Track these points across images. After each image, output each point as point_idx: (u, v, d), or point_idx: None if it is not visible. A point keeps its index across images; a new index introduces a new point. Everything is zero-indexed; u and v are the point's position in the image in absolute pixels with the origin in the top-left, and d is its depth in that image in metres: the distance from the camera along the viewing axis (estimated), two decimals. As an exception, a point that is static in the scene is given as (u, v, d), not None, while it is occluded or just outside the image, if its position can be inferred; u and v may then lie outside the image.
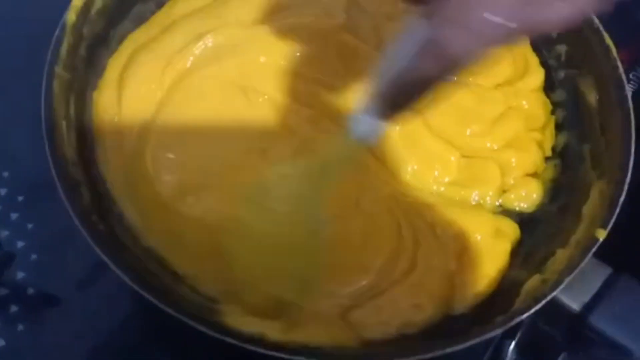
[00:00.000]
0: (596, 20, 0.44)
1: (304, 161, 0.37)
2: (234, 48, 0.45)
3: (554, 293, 0.35)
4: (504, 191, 0.44)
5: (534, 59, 0.48)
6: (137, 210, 0.41)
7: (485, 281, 0.40)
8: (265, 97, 0.45)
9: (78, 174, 0.40)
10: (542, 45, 0.49)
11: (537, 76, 0.48)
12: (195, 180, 0.41)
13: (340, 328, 0.38)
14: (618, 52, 0.58)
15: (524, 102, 0.46)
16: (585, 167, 0.43)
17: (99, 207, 0.40)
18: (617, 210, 0.38)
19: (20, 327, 0.44)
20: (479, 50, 0.25)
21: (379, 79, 0.28)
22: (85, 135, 0.43)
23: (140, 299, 0.43)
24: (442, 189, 0.43)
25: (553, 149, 0.46)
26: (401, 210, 0.41)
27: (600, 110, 0.44)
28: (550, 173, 0.45)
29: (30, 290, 0.46)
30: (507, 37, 0.25)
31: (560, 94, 0.48)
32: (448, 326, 0.38)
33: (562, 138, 0.47)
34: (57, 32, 0.41)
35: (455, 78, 0.44)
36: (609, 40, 0.43)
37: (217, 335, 0.33)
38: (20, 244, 0.47)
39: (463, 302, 0.39)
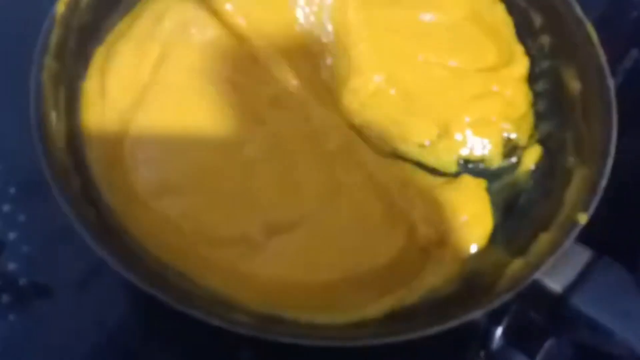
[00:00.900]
0: (579, 11, 0.45)
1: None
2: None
3: (536, 275, 0.36)
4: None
5: (518, 48, 0.49)
6: (117, 202, 0.41)
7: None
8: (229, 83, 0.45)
9: (68, 163, 0.40)
10: (526, 37, 0.49)
11: (521, 64, 0.48)
12: (173, 181, 0.42)
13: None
14: (605, 44, 0.59)
15: (506, 90, 0.47)
16: (567, 154, 0.44)
17: (89, 195, 0.40)
18: (599, 195, 0.38)
19: (11, 317, 0.45)
20: None
21: None
22: (75, 126, 0.43)
23: (134, 296, 0.44)
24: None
25: (536, 137, 0.47)
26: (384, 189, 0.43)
27: (582, 99, 0.44)
28: (533, 159, 0.46)
29: (22, 281, 0.46)
30: None
31: (543, 84, 0.48)
32: (430, 309, 0.39)
33: (545, 126, 0.47)
34: (46, 24, 0.42)
35: (429, 59, 0.48)
36: (591, 30, 0.44)
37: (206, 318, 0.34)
38: (12, 236, 0.48)
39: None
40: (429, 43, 0.48)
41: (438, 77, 0.47)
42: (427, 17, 0.50)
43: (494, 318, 0.45)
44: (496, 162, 0.46)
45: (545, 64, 0.48)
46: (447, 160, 0.45)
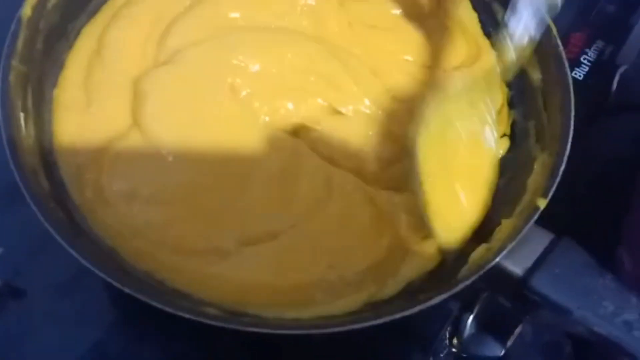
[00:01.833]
0: (537, 2, 0.46)
1: None
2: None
3: (497, 259, 0.37)
4: None
5: (485, 42, 0.50)
6: (84, 201, 0.42)
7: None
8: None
9: (36, 164, 0.41)
10: (490, 30, 0.50)
11: (489, 58, 0.49)
12: (145, 190, 0.42)
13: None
14: (572, 35, 0.60)
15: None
16: (530, 142, 0.45)
17: (58, 195, 0.41)
18: (557, 180, 0.39)
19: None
20: None
21: None
22: (44, 127, 0.43)
23: (114, 303, 0.44)
24: None
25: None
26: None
27: (543, 87, 0.45)
28: (501, 147, 0.47)
29: (-3, 282, 0.47)
30: None
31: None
32: (397, 298, 0.40)
33: (510, 116, 0.48)
34: (13, 26, 0.42)
35: (413, 58, 0.48)
36: (550, 22, 0.45)
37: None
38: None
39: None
40: (407, 40, 0.49)
41: (420, 79, 0.48)
42: (397, 12, 0.51)
43: (465, 306, 0.46)
44: None
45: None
46: None
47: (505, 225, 0.40)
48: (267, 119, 0.45)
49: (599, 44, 0.59)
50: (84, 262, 0.36)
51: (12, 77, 0.41)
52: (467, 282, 0.36)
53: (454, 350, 0.46)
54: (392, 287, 0.41)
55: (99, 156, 0.42)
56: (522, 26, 0.42)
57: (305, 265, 0.40)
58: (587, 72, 0.58)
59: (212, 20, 0.48)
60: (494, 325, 0.47)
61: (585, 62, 0.58)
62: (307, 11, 0.50)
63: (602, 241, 0.48)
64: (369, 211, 0.43)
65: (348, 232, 0.42)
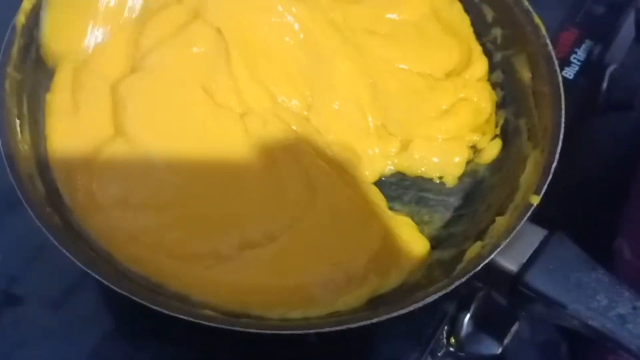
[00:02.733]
0: (526, 3, 0.47)
1: None
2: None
3: (492, 256, 0.37)
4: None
5: (477, 47, 0.51)
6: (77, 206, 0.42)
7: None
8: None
9: (32, 169, 0.41)
10: (480, 31, 0.51)
11: (481, 65, 0.50)
12: (136, 197, 0.41)
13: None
14: (561, 35, 0.61)
15: (473, 95, 0.48)
16: (522, 140, 0.45)
17: (54, 200, 0.41)
18: (550, 177, 0.40)
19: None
20: None
21: None
22: (40, 133, 0.43)
23: (112, 312, 0.44)
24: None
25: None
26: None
27: (533, 86, 0.46)
28: (493, 152, 0.47)
29: (-6, 289, 0.47)
30: None
31: (498, 75, 0.50)
32: (395, 297, 0.40)
33: (502, 115, 0.49)
34: (7, 34, 0.42)
35: (407, 66, 0.48)
36: (538, 20, 0.46)
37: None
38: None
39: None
40: (401, 45, 0.50)
41: (412, 86, 0.48)
42: (392, 15, 0.51)
43: (462, 305, 0.47)
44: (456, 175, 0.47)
45: (498, 56, 0.50)
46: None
47: (499, 223, 0.40)
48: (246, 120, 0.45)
49: (588, 43, 0.59)
50: (80, 265, 0.36)
51: (7, 85, 0.41)
52: (463, 280, 0.37)
53: (451, 349, 0.47)
54: (395, 278, 0.41)
55: (89, 162, 0.42)
56: None
57: (308, 265, 0.41)
58: (577, 72, 0.58)
59: (179, 17, 0.47)
60: (491, 324, 0.47)
61: (575, 61, 0.59)
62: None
63: (594, 236, 0.49)
64: (353, 203, 0.43)
65: (340, 227, 0.42)
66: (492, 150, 0.47)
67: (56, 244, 0.36)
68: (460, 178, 0.46)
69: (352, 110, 0.47)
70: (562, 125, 0.41)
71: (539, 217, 0.40)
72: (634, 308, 0.36)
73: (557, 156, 0.40)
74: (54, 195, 0.41)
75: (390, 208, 0.45)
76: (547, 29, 0.46)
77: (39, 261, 0.47)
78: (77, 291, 0.46)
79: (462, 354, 0.46)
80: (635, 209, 0.51)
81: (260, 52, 0.47)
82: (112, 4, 0.46)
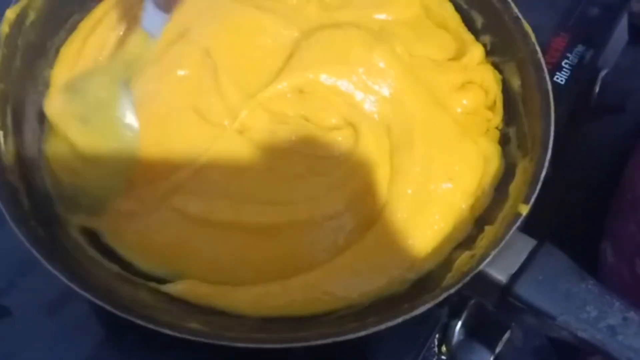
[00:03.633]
0: (516, 10, 0.46)
1: None
2: None
3: (481, 267, 0.37)
4: None
5: (469, 37, 0.50)
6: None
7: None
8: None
9: (16, 182, 0.40)
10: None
11: (477, 49, 0.49)
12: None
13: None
14: (553, 40, 0.61)
15: (477, 76, 0.48)
16: (512, 148, 0.45)
17: (38, 213, 0.40)
18: (539, 187, 0.39)
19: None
20: None
21: None
22: (24, 144, 0.43)
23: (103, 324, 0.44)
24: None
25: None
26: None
27: (523, 93, 0.46)
28: (495, 133, 0.47)
29: (-19, 302, 0.46)
30: None
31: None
32: (383, 307, 0.39)
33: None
34: (-9, 44, 0.42)
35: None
36: (527, 28, 0.46)
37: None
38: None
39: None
40: (398, 37, 0.49)
41: (425, 65, 0.48)
42: (381, 16, 0.50)
43: (454, 313, 0.46)
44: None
45: (488, 62, 0.49)
46: None
47: (488, 232, 0.40)
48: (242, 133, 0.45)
49: (580, 48, 0.59)
50: (63, 279, 0.35)
51: (-10, 96, 0.41)
52: (452, 291, 0.36)
53: (443, 357, 0.46)
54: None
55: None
56: None
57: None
58: (569, 77, 0.58)
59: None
60: (483, 332, 0.47)
61: (567, 66, 0.59)
62: None
63: (584, 245, 0.49)
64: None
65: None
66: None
67: (40, 259, 0.36)
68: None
69: None
70: (552, 134, 0.41)
71: (527, 225, 0.40)
72: (624, 319, 0.36)
73: (546, 165, 0.40)
74: (38, 208, 0.41)
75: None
76: (539, 34, 0.46)
77: (28, 271, 0.46)
78: (67, 302, 0.45)
79: (454, 362, 0.46)
80: (618, 211, 0.51)
81: (250, 69, 0.46)
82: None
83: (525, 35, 0.45)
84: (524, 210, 0.39)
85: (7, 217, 0.37)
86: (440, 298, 0.36)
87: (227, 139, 0.44)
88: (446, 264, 0.40)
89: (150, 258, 0.41)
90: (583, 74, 0.58)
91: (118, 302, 0.36)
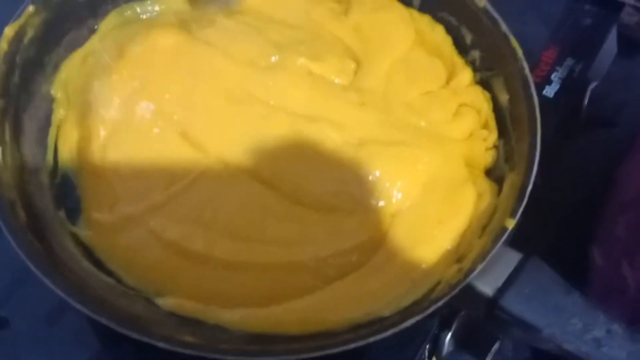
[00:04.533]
0: (505, 27, 0.47)
1: None
2: None
3: (467, 280, 0.38)
4: None
5: (459, 60, 0.51)
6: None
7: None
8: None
9: (14, 196, 0.41)
10: (460, 52, 0.51)
11: (465, 73, 0.50)
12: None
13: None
14: (543, 54, 0.61)
15: (467, 99, 0.49)
16: (500, 162, 0.46)
17: (35, 227, 0.41)
18: (525, 201, 0.40)
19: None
20: None
21: None
22: (22, 159, 0.44)
23: (99, 335, 0.45)
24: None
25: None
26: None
27: (510, 108, 0.46)
28: (491, 154, 0.47)
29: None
30: None
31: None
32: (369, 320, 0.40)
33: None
34: (-10, 61, 0.43)
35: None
36: (515, 44, 0.46)
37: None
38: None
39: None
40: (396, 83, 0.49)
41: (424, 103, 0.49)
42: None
43: (443, 324, 0.47)
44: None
45: (477, 77, 0.50)
46: None
47: (476, 246, 0.41)
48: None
49: (570, 61, 0.60)
50: (60, 293, 0.36)
51: (-11, 112, 0.42)
52: (439, 304, 0.37)
53: (433, 368, 0.47)
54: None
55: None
56: None
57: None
58: (558, 90, 0.59)
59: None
60: (473, 343, 0.48)
61: (556, 79, 0.59)
62: None
63: (573, 256, 0.50)
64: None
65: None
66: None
67: (36, 272, 0.37)
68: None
69: None
70: (538, 150, 0.42)
71: (515, 238, 0.41)
72: (608, 331, 0.36)
73: (532, 180, 0.41)
74: (35, 222, 0.42)
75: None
76: (528, 47, 0.47)
77: (26, 282, 0.46)
78: (64, 312, 0.46)
79: (444, 373, 0.47)
80: (607, 214, 0.52)
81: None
82: None
83: (513, 51, 0.46)
84: (511, 224, 0.39)
85: (5, 229, 0.38)
86: (429, 311, 0.37)
87: (209, 165, 0.44)
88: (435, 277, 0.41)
89: (135, 275, 0.42)
90: (573, 86, 0.58)
91: (113, 316, 0.36)
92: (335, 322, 0.39)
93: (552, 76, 0.60)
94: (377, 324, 0.38)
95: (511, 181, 0.43)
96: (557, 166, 0.54)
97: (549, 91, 0.58)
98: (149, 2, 0.52)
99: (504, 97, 0.47)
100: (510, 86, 0.46)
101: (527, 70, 0.45)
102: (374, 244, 0.42)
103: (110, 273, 0.42)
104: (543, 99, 0.50)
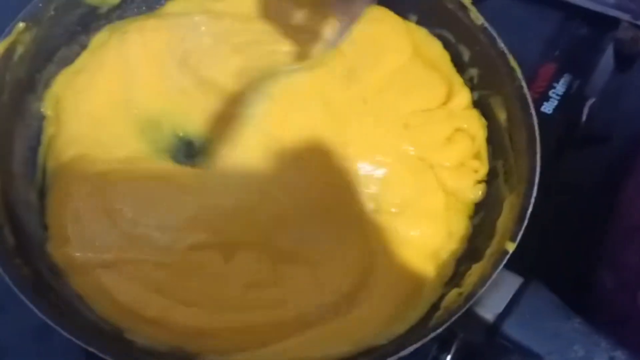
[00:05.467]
0: (502, 45, 0.47)
1: None
2: None
3: (467, 306, 0.37)
4: None
5: (457, 79, 0.50)
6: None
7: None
8: None
9: (1, 219, 0.40)
10: (457, 70, 0.51)
11: (463, 94, 0.49)
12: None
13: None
14: (540, 70, 0.61)
15: (463, 123, 0.48)
16: (499, 182, 0.45)
17: (24, 251, 0.40)
18: (525, 224, 0.39)
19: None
20: None
21: None
22: (10, 180, 0.43)
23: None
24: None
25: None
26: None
27: (509, 128, 0.46)
28: (480, 188, 0.47)
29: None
30: None
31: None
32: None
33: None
34: (-22, 81, 0.42)
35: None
36: (513, 63, 0.46)
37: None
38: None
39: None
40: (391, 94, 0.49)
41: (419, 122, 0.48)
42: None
43: (443, 346, 0.46)
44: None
45: (476, 95, 0.50)
46: None
47: (476, 270, 0.40)
48: None
49: (567, 77, 0.60)
50: (47, 320, 0.35)
51: (-23, 132, 0.41)
52: (439, 331, 0.36)
53: (432, 390, 0.46)
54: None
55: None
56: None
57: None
58: (556, 106, 0.59)
59: None
60: (472, 365, 0.47)
61: (554, 95, 0.59)
62: None
63: (573, 276, 0.49)
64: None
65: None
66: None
67: (22, 298, 0.36)
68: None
69: None
70: (538, 171, 0.41)
71: (515, 258, 0.40)
72: (611, 358, 0.36)
73: (532, 202, 0.40)
74: (23, 245, 0.40)
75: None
76: (525, 64, 0.46)
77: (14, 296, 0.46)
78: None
79: (443, 395, 0.46)
80: (616, 238, 0.51)
81: None
82: None
83: (512, 70, 0.45)
84: (511, 247, 0.39)
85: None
86: (428, 338, 0.36)
87: None
88: (435, 300, 0.40)
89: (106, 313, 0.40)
90: (570, 103, 0.58)
91: (102, 344, 0.35)
92: (333, 355, 0.39)
93: (550, 92, 0.59)
94: (375, 352, 0.38)
95: (511, 203, 0.42)
96: (555, 182, 0.53)
97: (547, 107, 0.58)
98: (142, 17, 0.51)
99: (502, 116, 0.47)
100: (509, 105, 0.46)
101: (525, 90, 0.45)
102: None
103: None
104: (541, 115, 0.50)
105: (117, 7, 0.50)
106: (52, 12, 0.46)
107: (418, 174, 0.46)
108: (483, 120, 0.48)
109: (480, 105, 0.49)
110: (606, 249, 0.51)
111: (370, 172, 0.46)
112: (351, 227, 0.43)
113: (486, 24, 0.48)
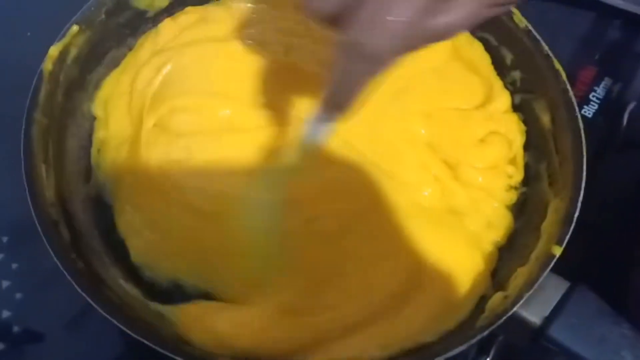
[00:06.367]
0: (546, 48, 0.47)
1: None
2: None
3: (514, 309, 0.37)
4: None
5: (498, 83, 0.50)
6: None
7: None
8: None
9: (57, 215, 0.41)
10: (499, 72, 0.51)
11: (504, 98, 0.49)
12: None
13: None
14: (580, 73, 0.61)
15: (501, 127, 0.48)
16: (543, 185, 0.45)
17: (78, 245, 0.41)
18: (572, 227, 0.39)
19: (4, 364, 0.46)
20: (392, 49, 0.29)
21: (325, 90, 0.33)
22: (64, 177, 0.44)
23: (126, 337, 0.45)
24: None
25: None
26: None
27: (553, 131, 0.46)
28: (514, 193, 0.47)
29: (16, 328, 0.48)
30: (414, 39, 0.29)
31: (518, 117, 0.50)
32: (414, 347, 0.39)
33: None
34: (35, 81, 0.43)
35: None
36: (558, 66, 0.46)
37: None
38: (5, 284, 0.49)
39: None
40: (423, 88, 0.49)
41: (448, 118, 0.48)
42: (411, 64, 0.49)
43: (482, 349, 0.46)
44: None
45: (518, 98, 0.50)
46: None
47: (521, 273, 0.40)
48: None
49: (608, 81, 0.59)
50: (102, 312, 0.36)
51: (34, 130, 0.42)
52: (485, 333, 0.36)
53: (470, 393, 0.46)
54: None
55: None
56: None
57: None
58: (596, 110, 0.58)
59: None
60: (511, 369, 0.47)
61: (594, 99, 0.59)
62: None
63: (615, 281, 0.49)
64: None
65: None
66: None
67: (79, 290, 0.37)
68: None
69: None
70: (584, 175, 0.41)
71: (558, 263, 0.40)
72: (660, 364, 0.36)
73: (579, 206, 0.40)
74: (78, 240, 0.42)
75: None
76: (566, 67, 0.46)
77: (50, 287, 0.47)
78: (87, 317, 0.47)
79: (481, 398, 0.46)
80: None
81: None
82: None
83: (557, 73, 0.45)
84: (558, 251, 0.38)
85: (49, 249, 0.38)
86: (474, 341, 0.36)
87: None
88: (479, 302, 0.40)
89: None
90: (611, 107, 0.58)
91: (157, 339, 0.36)
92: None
93: (590, 96, 0.59)
94: (425, 351, 0.38)
95: (555, 206, 0.42)
96: (595, 187, 0.53)
97: (588, 111, 0.58)
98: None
99: (546, 120, 0.46)
100: (553, 109, 0.46)
101: (571, 94, 0.44)
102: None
103: (154, 298, 0.42)
104: (582, 120, 0.49)
105: (164, 10, 0.52)
106: (103, 16, 0.48)
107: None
108: (522, 126, 0.48)
109: (522, 108, 0.49)
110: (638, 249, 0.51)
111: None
112: (400, 226, 0.43)
113: (530, 27, 0.47)
